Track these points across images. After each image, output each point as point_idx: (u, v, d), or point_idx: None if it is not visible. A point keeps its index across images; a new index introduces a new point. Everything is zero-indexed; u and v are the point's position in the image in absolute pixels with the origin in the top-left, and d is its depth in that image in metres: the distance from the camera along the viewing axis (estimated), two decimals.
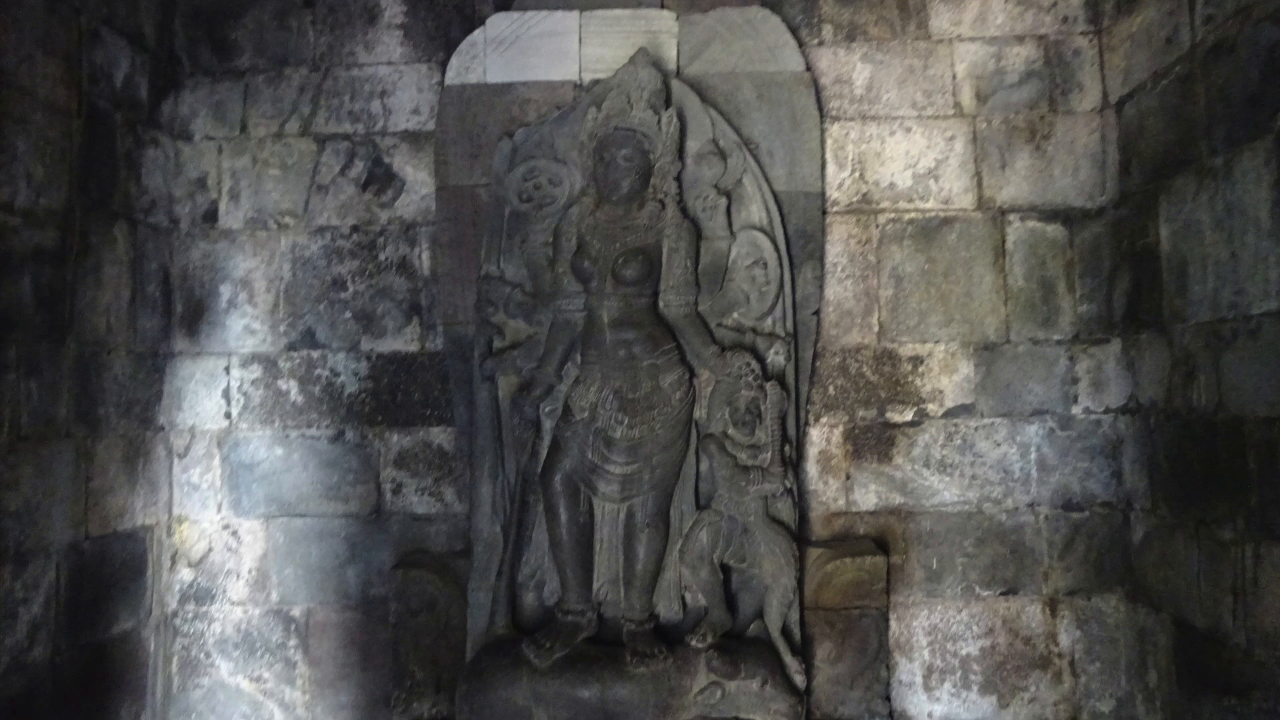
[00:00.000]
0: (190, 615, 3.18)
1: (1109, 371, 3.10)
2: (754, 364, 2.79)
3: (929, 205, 3.17)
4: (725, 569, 2.82)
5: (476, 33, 3.11)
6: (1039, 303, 3.14)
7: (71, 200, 2.68)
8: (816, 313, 3.07)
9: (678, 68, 3.05)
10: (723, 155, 2.93)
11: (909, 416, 3.13)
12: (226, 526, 3.19)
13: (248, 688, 3.15)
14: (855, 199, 3.18)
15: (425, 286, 3.20)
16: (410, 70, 3.25)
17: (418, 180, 3.22)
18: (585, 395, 2.76)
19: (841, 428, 3.14)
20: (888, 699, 2.90)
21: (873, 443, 3.13)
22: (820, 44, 3.22)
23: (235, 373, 3.22)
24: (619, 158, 2.76)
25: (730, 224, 2.92)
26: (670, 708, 2.63)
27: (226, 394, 3.22)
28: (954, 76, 3.19)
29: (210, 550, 3.19)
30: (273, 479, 3.19)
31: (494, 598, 2.84)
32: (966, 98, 3.19)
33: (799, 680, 2.71)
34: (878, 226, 3.18)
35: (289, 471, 3.19)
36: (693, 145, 2.93)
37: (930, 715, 3.08)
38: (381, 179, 3.24)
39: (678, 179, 2.86)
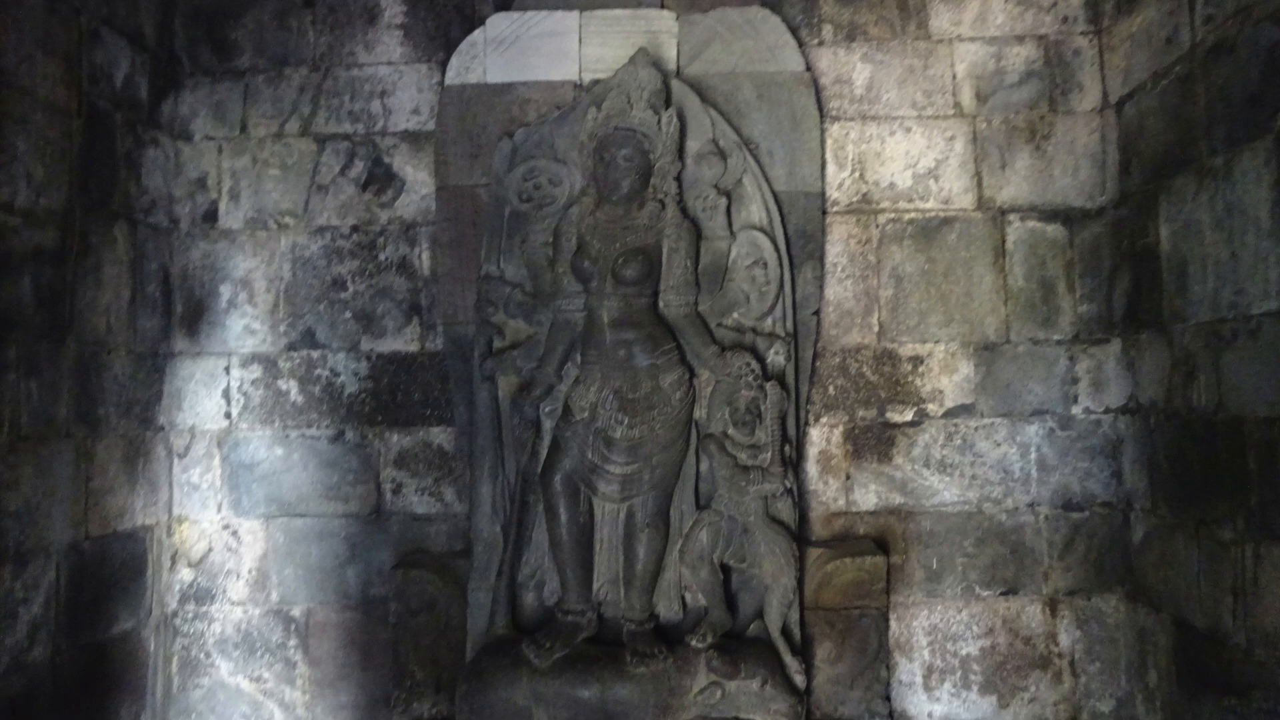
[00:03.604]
0: (190, 615, 3.18)
1: (1109, 371, 3.10)
2: (754, 364, 2.79)
3: (929, 205, 3.17)
4: (725, 569, 2.82)
5: (476, 33, 3.11)
6: (1039, 303, 3.14)
7: (71, 200, 2.68)
8: (816, 313, 3.07)
9: (678, 68, 3.05)
10: (723, 155, 2.93)
11: (909, 416, 3.13)
12: (226, 526, 3.19)
13: (248, 688, 3.15)
14: (855, 199, 3.18)
15: (425, 286, 3.20)
16: (410, 70, 3.25)
17: (418, 180, 3.22)
18: (585, 395, 2.76)
19: (841, 428, 3.13)
20: (888, 699, 2.91)
21: (873, 443, 3.13)
22: (820, 44, 3.22)
23: (235, 373, 3.22)
24: (619, 158, 2.76)
25: (730, 224, 2.92)
26: (670, 708, 2.63)
27: (226, 394, 3.22)
28: (954, 76, 3.19)
29: (210, 550, 3.19)
30: (273, 479, 3.19)
31: (494, 598, 2.84)
32: (966, 98, 3.19)
33: (799, 680, 2.71)
34: (878, 226, 3.18)
35: (289, 471, 3.19)
36: (693, 145, 2.93)
37: (930, 715, 3.08)
38: (381, 179, 3.24)
39: (678, 179, 2.86)
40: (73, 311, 2.68)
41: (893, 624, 3.05)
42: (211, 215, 3.26)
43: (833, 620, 2.90)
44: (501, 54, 3.09)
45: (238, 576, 3.18)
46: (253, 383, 3.21)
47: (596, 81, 3.00)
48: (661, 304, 2.82)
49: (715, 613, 2.78)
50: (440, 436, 3.17)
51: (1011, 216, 3.16)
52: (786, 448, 2.81)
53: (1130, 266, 2.99)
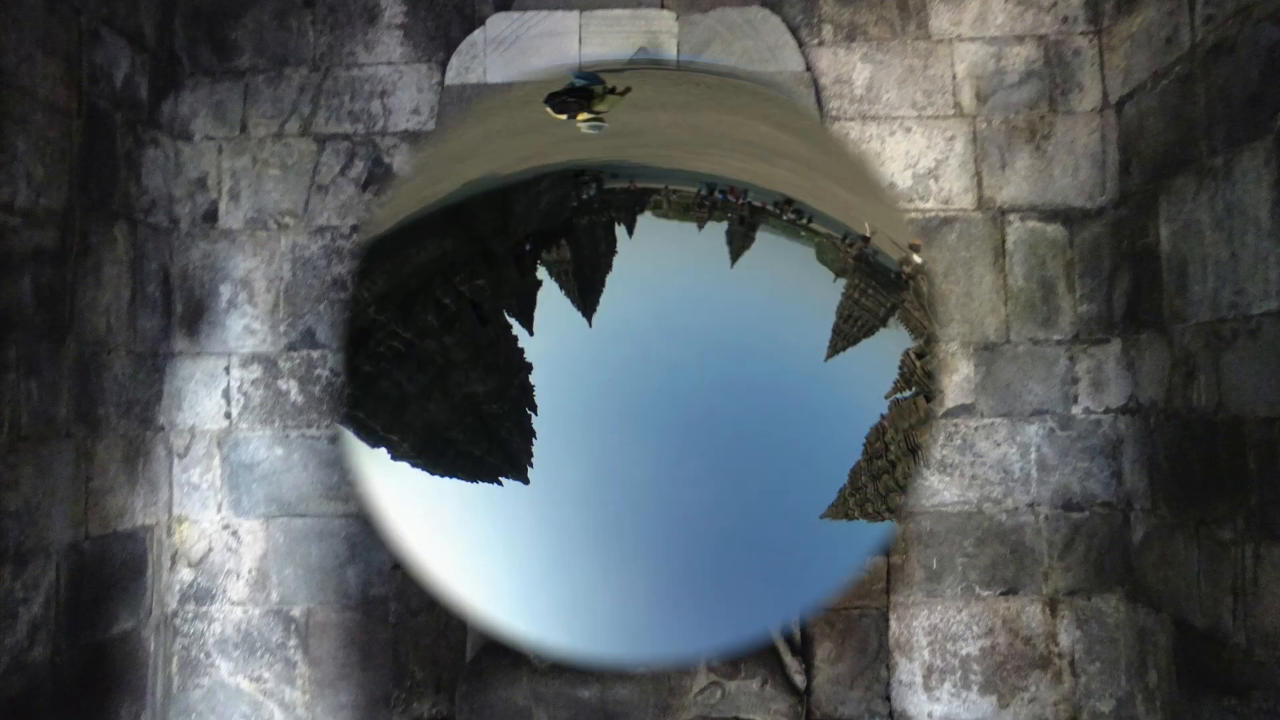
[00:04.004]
0: (190, 615, 3.18)
1: (1109, 371, 3.10)
2: None
3: (929, 205, 3.17)
4: None
5: (476, 33, 3.11)
6: (1039, 303, 3.14)
7: (71, 200, 2.68)
8: None
9: (678, 68, 3.05)
10: None
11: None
12: (226, 526, 3.19)
13: (248, 688, 3.15)
14: None
15: None
16: (410, 70, 3.25)
17: None
18: None
19: None
20: (888, 699, 2.90)
21: None
22: (820, 44, 3.22)
23: (235, 373, 3.22)
24: None
25: None
26: (670, 708, 2.62)
27: (226, 394, 3.21)
28: (954, 76, 3.19)
29: (210, 550, 3.19)
30: (273, 479, 3.19)
31: None
32: (966, 98, 3.19)
33: (799, 680, 2.71)
34: None
35: (289, 471, 3.18)
36: None
37: (930, 715, 3.08)
38: (381, 179, 3.24)
39: None
40: (73, 311, 2.68)
41: (893, 624, 3.05)
42: (211, 215, 3.26)
43: (833, 620, 2.90)
44: (501, 54, 3.09)
45: (238, 576, 3.18)
46: (253, 383, 3.21)
47: None
48: None
49: None
50: None
51: (1011, 216, 3.16)
52: None
53: (1130, 266, 2.99)
